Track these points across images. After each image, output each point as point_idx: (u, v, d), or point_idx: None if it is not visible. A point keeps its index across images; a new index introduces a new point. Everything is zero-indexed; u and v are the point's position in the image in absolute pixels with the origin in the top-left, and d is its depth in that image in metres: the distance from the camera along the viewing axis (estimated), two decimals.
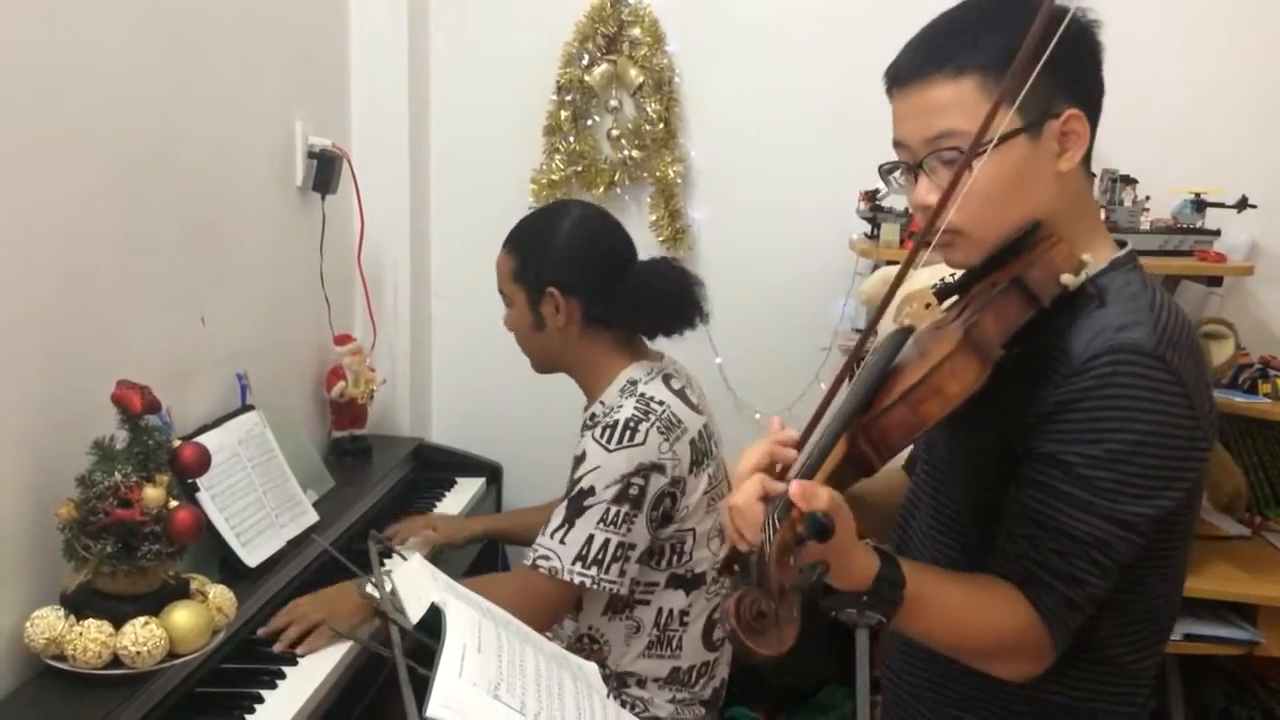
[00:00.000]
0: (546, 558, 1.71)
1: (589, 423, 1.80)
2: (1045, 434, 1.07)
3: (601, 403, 1.81)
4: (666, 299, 1.81)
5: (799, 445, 1.05)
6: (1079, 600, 1.07)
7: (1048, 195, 1.11)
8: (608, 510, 1.70)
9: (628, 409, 1.73)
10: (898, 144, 1.16)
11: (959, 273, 1.18)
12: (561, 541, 1.71)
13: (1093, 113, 1.13)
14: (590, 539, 1.69)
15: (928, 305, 1.11)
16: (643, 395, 1.76)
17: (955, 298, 1.16)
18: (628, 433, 1.71)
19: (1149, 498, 1.05)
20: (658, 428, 1.72)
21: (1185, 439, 1.05)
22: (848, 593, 0.96)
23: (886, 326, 1.16)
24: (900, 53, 1.15)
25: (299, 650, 1.60)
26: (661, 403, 1.76)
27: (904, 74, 1.13)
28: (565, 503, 1.73)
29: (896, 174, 1.20)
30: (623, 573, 1.72)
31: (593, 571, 1.69)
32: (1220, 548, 2.27)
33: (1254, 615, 2.18)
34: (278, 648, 1.60)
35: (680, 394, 1.81)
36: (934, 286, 1.15)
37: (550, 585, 1.71)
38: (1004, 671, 1.11)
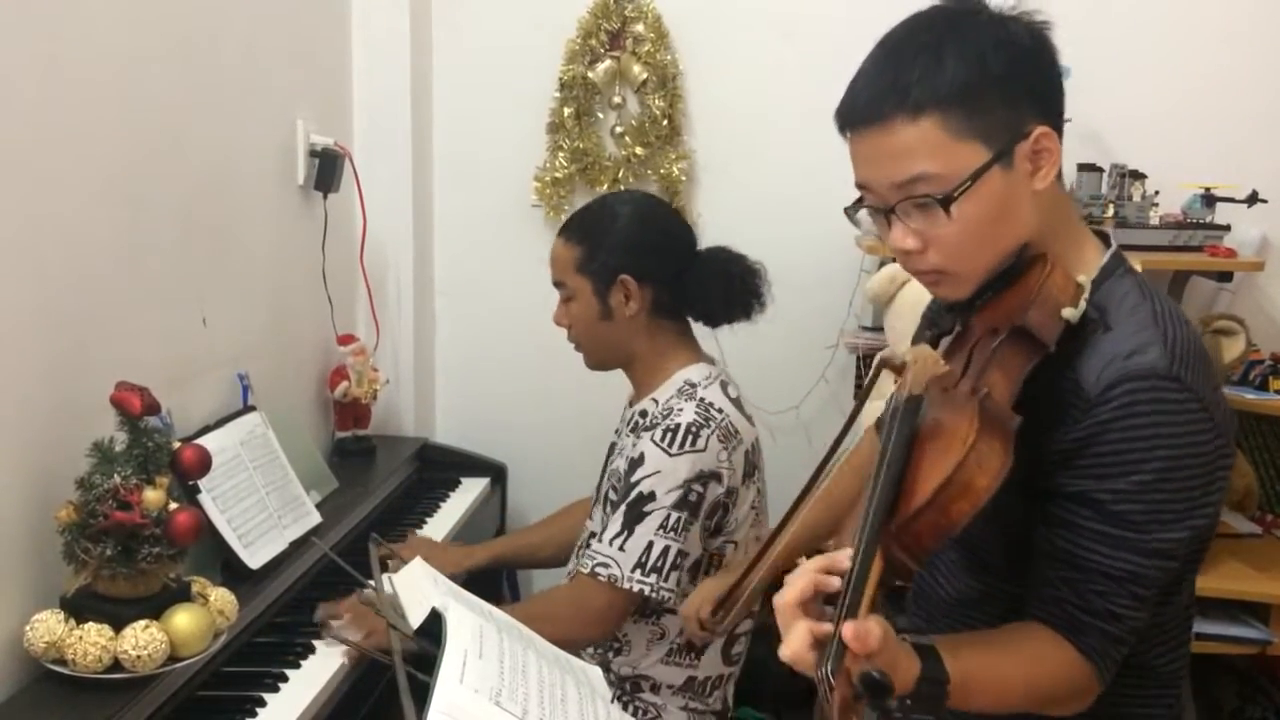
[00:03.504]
0: (606, 565, 1.67)
1: (642, 422, 1.76)
2: (1070, 471, 1.05)
3: (654, 400, 1.77)
4: (735, 285, 1.79)
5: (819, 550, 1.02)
6: (1121, 634, 1.06)
7: (1029, 217, 1.08)
8: (668, 516, 1.66)
9: (689, 413, 1.70)
10: (862, 186, 1.11)
11: None
12: (621, 549, 1.67)
13: (1058, 123, 1.09)
14: (650, 545, 1.66)
15: (928, 358, 1.07)
16: (702, 400, 1.72)
17: (956, 330, 1.14)
18: (689, 437, 1.67)
19: (1182, 521, 1.04)
20: (718, 435, 1.69)
21: (1210, 455, 1.04)
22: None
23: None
24: (849, 91, 1.10)
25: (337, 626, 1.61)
26: (720, 410, 1.72)
27: (858, 116, 1.08)
28: (623, 508, 1.68)
29: (862, 214, 1.15)
30: (679, 582, 1.69)
31: (652, 579, 1.66)
32: (1231, 546, 2.25)
33: (1266, 614, 2.16)
34: (320, 615, 1.63)
35: (737, 403, 1.78)
36: (928, 337, 1.13)
37: (611, 594, 1.68)
38: (1055, 713, 1.10)
